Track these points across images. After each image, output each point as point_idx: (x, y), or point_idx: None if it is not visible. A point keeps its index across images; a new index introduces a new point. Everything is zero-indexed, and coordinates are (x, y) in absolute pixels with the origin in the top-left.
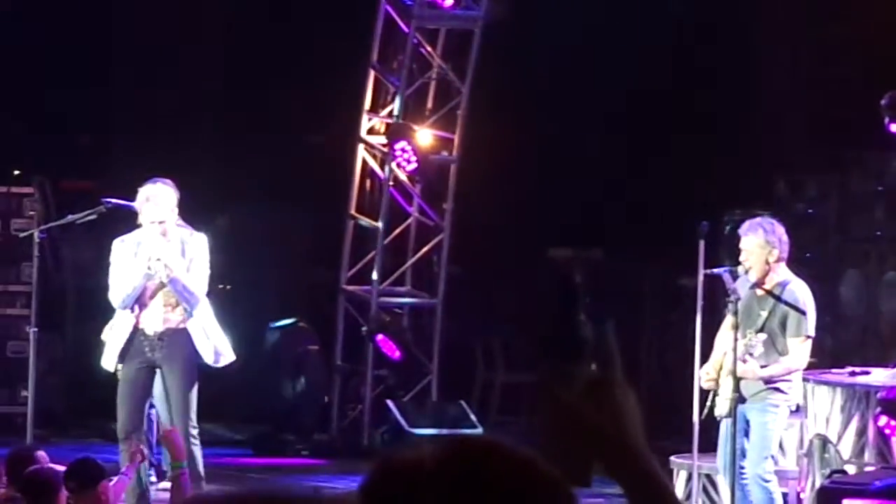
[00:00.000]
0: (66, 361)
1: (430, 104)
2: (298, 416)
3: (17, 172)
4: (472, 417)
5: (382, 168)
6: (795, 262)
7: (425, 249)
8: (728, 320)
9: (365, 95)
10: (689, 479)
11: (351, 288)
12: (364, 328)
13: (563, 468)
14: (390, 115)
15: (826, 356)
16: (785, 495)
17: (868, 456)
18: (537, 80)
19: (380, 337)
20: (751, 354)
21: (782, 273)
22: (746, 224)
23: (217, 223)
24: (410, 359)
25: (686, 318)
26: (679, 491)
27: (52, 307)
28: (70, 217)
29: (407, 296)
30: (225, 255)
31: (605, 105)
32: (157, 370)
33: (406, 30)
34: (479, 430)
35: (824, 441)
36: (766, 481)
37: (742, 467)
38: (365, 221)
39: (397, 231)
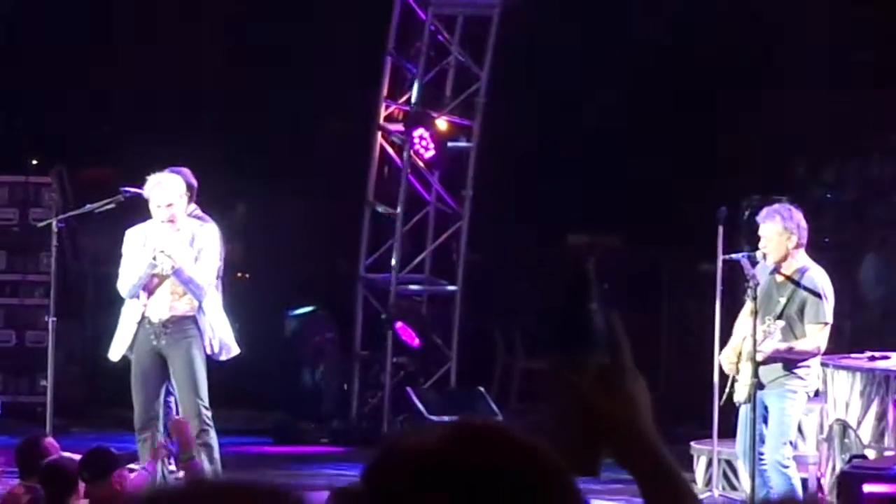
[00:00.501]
0: (85, 351)
1: (448, 91)
2: (318, 404)
3: (35, 162)
4: (492, 404)
5: (400, 155)
6: (814, 248)
7: (444, 237)
8: (747, 306)
9: (383, 83)
10: (710, 464)
11: (370, 275)
12: (383, 315)
13: (572, 457)
14: (408, 102)
15: (845, 341)
16: (805, 480)
17: (888, 440)
18: (556, 66)
19: (399, 324)
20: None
21: (801, 259)
22: (765, 210)
23: (235, 212)
24: (429, 346)
25: (705, 303)
26: (699, 476)
27: (70, 297)
28: (88, 206)
29: (426, 283)
30: (243, 244)
31: (625, 91)
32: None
33: (423, 16)
34: (499, 417)
35: (844, 426)
36: (785, 467)
37: (761, 453)
38: (383, 209)
39: (416, 218)
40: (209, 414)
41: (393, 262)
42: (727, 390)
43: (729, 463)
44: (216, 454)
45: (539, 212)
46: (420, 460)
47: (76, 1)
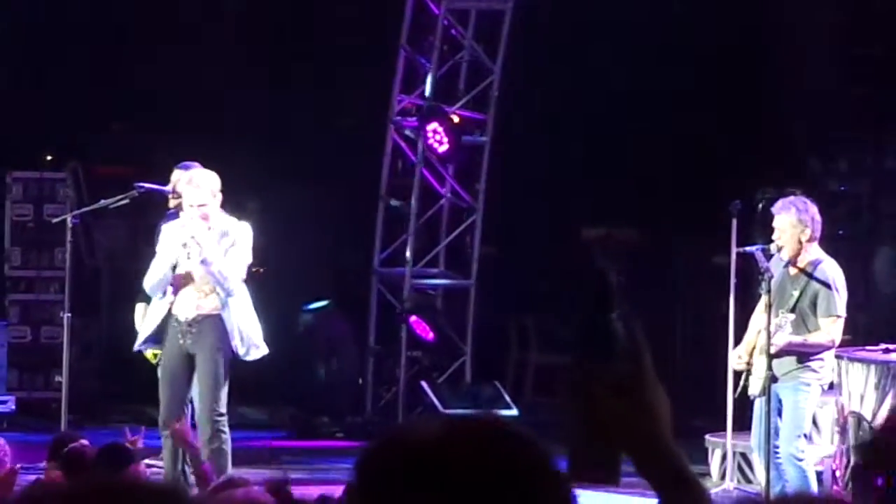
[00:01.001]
0: (100, 346)
1: (461, 85)
2: (332, 399)
3: (49, 158)
4: (507, 398)
5: (414, 150)
6: (828, 240)
7: (458, 231)
8: (762, 300)
9: (396, 77)
10: (724, 457)
11: (384, 270)
12: (398, 309)
13: (593, 465)
14: (422, 96)
15: (859, 333)
16: (820, 473)
17: None
18: (568, 59)
19: (413, 318)
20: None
21: (814, 252)
22: (779, 203)
23: (249, 207)
24: (444, 340)
25: (719, 296)
26: (714, 469)
27: (85, 292)
28: (103, 202)
29: (440, 277)
30: (257, 239)
31: (637, 83)
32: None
33: (436, 11)
34: (514, 411)
35: (859, 418)
36: (800, 460)
37: (776, 446)
38: (397, 203)
39: (430, 212)
40: (223, 420)
41: (407, 256)
42: (741, 383)
43: (744, 456)
44: (226, 461)
45: (553, 205)
46: (411, 456)
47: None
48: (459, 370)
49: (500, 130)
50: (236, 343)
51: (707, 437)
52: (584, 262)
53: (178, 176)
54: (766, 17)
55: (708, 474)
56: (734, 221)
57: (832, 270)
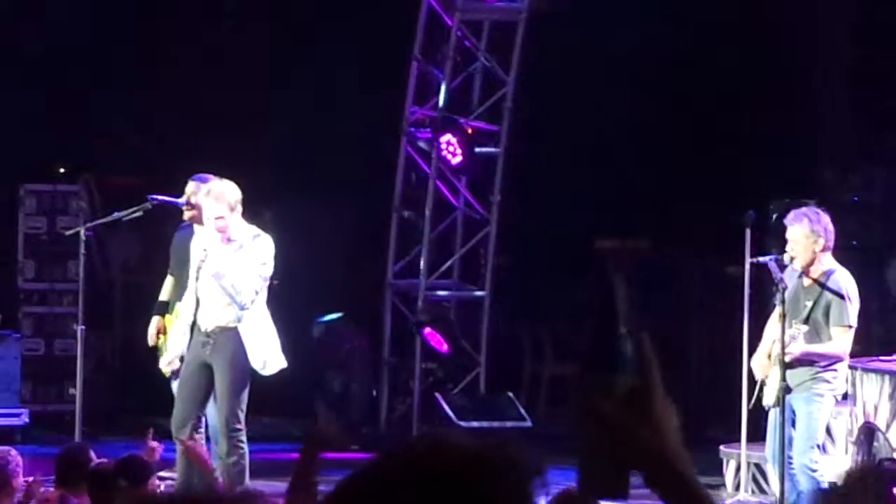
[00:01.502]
0: (114, 359)
1: (475, 96)
2: (347, 411)
3: (62, 170)
4: (521, 410)
5: (428, 161)
6: (841, 251)
7: (472, 242)
8: (776, 310)
9: (409, 88)
10: (739, 468)
11: (398, 282)
12: (412, 321)
13: (602, 479)
14: (435, 107)
15: (874, 344)
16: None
17: None
18: (582, 70)
19: (427, 330)
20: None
21: (827, 262)
22: (792, 213)
23: (262, 218)
24: (458, 352)
25: (733, 306)
26: (729, 480)
27: (99, 305)
28: (116, 214)
29: (454, 288)
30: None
31: (651, 95)
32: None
33: (450, 22)
34: (528, 423)
35: (873, 429)
36: (813, 470)
37: (790, 457)
38: (408, 214)
39: (444, 224)
40: (240, 433)
41: (421, 267)
42: (756, 394)
43: (758, 466)
44: (243, 476)
45: (567, 216)
46: (376, 482)
47: (101, 9)
48: (474, 382)
49: (513, 142)
50: (253, 357)
51: (721, 447)
52: (598, 273)
53: (192, 188)
54: (778, 28)
55: (722, 485)
56: (748, 232)
57: (845, 280)
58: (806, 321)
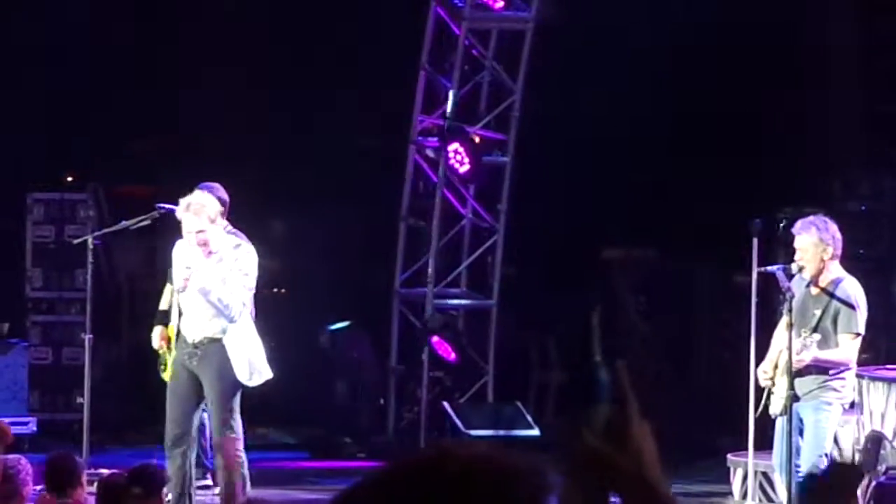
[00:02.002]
0: (121, 367)
1: (482, 105)
2: (354, 419)
3: (70, 179)
4: (529, 418)
5: (435, 170)
6: (849, 260)
7: (480, 251)
8: (783, 319)
9: (417, 97)
10: (746, 477)
11: (405, 290)
12: (419, 329)
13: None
14: (443, 116)
15: (881, 353)
16: None
17: None
18: (589, 79)
19: (435, 339)
20: None
21: (835, 271)
22: (800, 222)
23: (270, 228)
24: (466, 360)
25: (741, 315)
26: (736, 489)
27: (106, 313)
28: (124, 223)
29: (462, 297)
30: (279, 259)
31: (657, 103)
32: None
33: (457, 31)
34: (536, 431)
35: (880, 438)
36: None
37: (797, 465)
38: (418, 223)
39: (452, 233)
40: (239, 442)
41: (429, 276)
42: (762, 403)
43: (766, 475)
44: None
45: (574, 225)
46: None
47: (113, 18)
48: (481, 390)
49: (520, 150)
50: (240, 369)
51: (729, 456)
52: (605, 282)
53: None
54: (789, 39)
55: (730, 494)
56: (755, 241)
57: (853, 289)
58: (815, 330)
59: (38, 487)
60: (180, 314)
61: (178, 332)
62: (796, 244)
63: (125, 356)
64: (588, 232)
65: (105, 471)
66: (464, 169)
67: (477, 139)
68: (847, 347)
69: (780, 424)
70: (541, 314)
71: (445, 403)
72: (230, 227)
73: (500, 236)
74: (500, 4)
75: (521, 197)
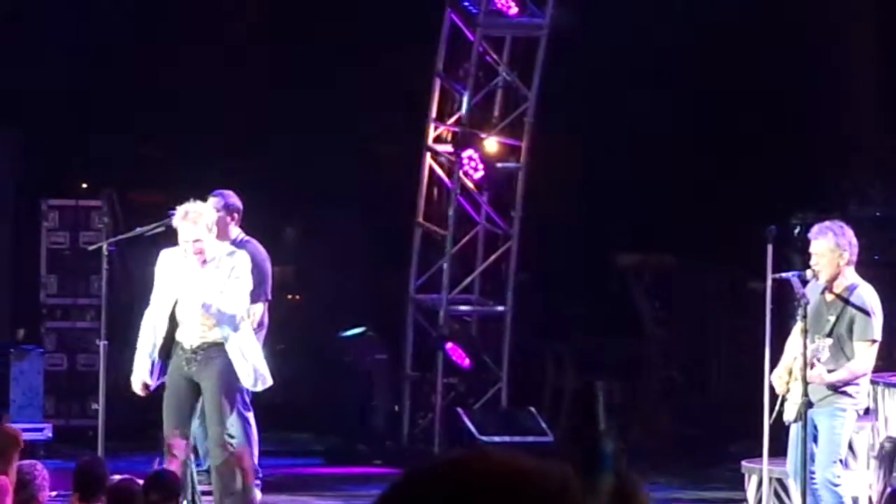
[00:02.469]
0: None
1: (496, 112)
2: (369, 425)
3: (84, 186)
4: (543, 424)
5: (450, 176)
6: (864, 265)
7: (494, 257)
8: (798, 325)
9: (431, 104)
10: (761, 483)
11: (420, 296)
12: (434, 335)
13: None
14: (457, 123)
15: (895, 359)
16: (856, 499)
17: None
18: (604, 85)
19: (449, 345)
20: (818, 359)
21: (850, 276)
22: (815, 228)
23: (284, 234)
24: (480, 366)
25: (755, 321)
26: (751, 495)
27: (121, 320)
28: (138, 229)
29: (476, 304)
30: (293, 266)
31: (673, 109)
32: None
33: (472, 38)
34: (550, 438)
35: (895, 444)
36: (836, 485)
37: (812, 472)
38: (433, 229)
39: (465, 239)
40: (233, 442)
41: (443, 282)
42: (776, 409)
43: (780, 482)
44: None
45: (589, 231)
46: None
47: (125, 24)
48: (495, 396)
49: (535, 157)
50: (244, 375)
51: (743, 463)
52: (620, 288)
53: (212, 203)
54: (804, 45)
55: (744, 500)
56: (769, 247)
57: (869, 295)
58: (829, 335)
59: (54, 493)
60: (173, 322)
61: (174, 340)
62: (812, 250)
63: None
64: (602, 238)
65: (118, 477)
66: (478, 175)
67: (491, 145)
68: (864, 355)
69: (795, 431)
70: (555, 320)
71: (460, 409)
72: (244, 236)
73: (514, 242)
74: (515, 10)
75: (535, 203)
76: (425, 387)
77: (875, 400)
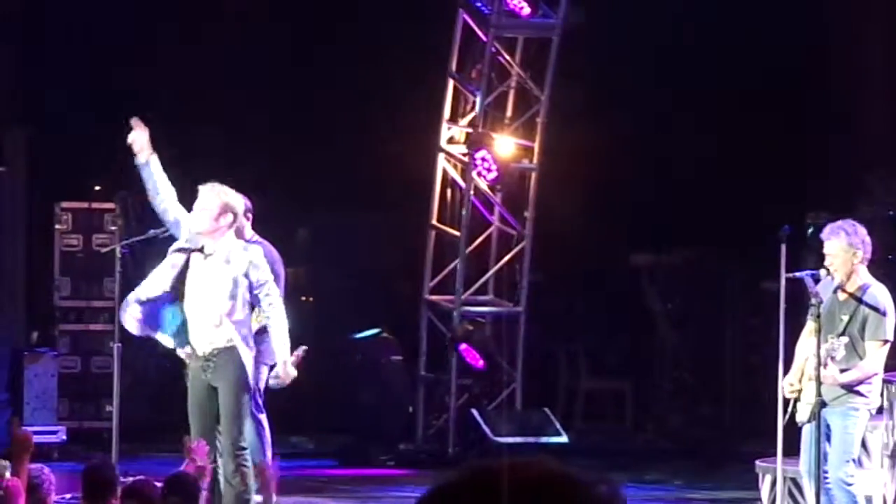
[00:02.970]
0: (150, 375)
1: (509, 112)
2: (383, 427)
3: (98, 188)
4: (557, 425)
5: (463, 177)
6: (878, 264)
7: (507, 258)
8: (809, 325)
9: (444, 105)
10: (775, 483)
11: (433, 298)
12: (447, 336)
13: None
14: (470, 124)
15: None
16: (870, 498)
17: None
18: (616, 85)
19: (463, 346)
20: (832, 358)
21: (863, 276)
22: (828, 227)
23: (297, 236)
24: (494, 367)
25: (769, 321)
26: (764, 495)
27: None
28: (151, 232)
29: (489, 305)
30: (306, 267)
31: (685, 109)
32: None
33: (484, 38)
34: (564, 438)
35: None
36: (849, 485)
37: (826, 471)
38: (446, 230)
39: (479, 240)
40: (246, 453)
41: (457, 283)
42: (790, 410)
43: (794, 481)
44: (250, 494)
45: (602, 231)
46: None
47: (139, 25)
48: (509, 397)
49: (547, 157)
50: (256, 373)
51: (757, 462)
52: (633, 288)
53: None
54: (818, 42)
55: (758, 500)
56: (783, 246)
57: (882, 294)
58: (842, 334)
59: (68, 496)
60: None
61: (192, 349)
62: (826, 249)
63: (153, 364)
64: (615, 238)
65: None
66: (491, 176)
67: (504, 146)
68: (875, 355)
69: (808, 430)
70: (569, 321)
71: (474, 410)
72: (256, 236)
73: (527, 243)
74: (527, 11)
75: (548, 203)
76: (439, 388)
77: (888, 399)
